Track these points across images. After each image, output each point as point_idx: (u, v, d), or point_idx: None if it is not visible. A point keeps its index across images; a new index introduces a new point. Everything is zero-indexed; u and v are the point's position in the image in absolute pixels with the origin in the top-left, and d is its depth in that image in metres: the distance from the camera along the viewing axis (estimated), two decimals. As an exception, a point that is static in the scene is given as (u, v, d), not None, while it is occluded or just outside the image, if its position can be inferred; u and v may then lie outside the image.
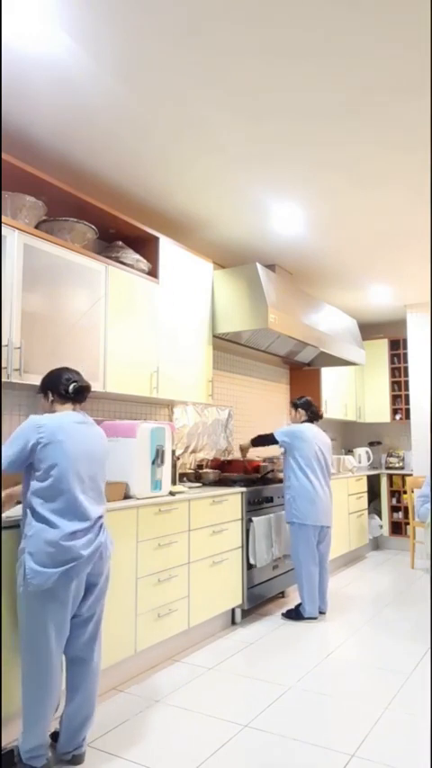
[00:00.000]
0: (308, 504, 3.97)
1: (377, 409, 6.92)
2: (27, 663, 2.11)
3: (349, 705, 2.70)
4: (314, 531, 4.01)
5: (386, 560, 6.01)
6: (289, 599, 4.46)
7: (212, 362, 4.24)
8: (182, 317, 3.91)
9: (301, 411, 4.24)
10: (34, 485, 2.14)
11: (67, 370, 2.39)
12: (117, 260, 3.44)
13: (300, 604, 3.99)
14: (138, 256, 3.59)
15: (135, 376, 3.45)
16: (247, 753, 2.30)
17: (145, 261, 3.63)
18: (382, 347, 6.92)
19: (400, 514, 6.58)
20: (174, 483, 3.73)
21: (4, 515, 2.35)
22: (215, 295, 4.26)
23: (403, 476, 6.50)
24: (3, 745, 2.23)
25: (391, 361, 6.91)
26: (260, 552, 3.93)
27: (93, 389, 3.11)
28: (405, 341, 6.68)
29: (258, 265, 4.16)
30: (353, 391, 6.79)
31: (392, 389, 6.89)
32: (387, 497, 6.59)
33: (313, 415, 4.24)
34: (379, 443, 7.15)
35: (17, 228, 2.76)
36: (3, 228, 2.68)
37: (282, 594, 4.50)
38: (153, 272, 3.69)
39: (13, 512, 2.41)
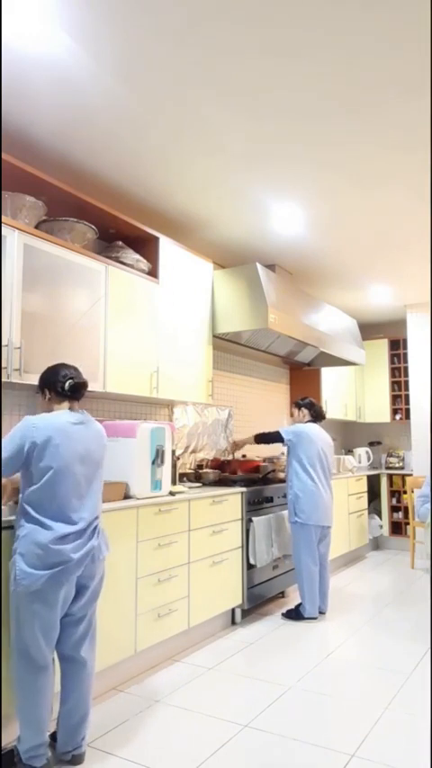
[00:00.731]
0: (311, 504, 3.98)
1: (377, 409, 6.92)
2: (19, 662, 2.12)
3: (349, 705, 2.70)
4: (316, 531, 4.01)
5: (386, 560, 6.01)
6: (289, 599, 4.46)
7: (212, 362, 4.24)
8: (182, 317, 3.91)
9: (305, 411, 4.25)
10: (28, 486, 2.14)
11: (63, 366, 2.36)
12: (117, 260, 3.44)
13: (300, 604, 4.00)
14: (138, 256, 3.59)
15: (135, 376, 3.45)
16: (247, 753, 2.30)
17: (145, 261, 3.63)
18: (382, 347, 6.92)
19: (400, 514, 6.58)
20: (174, 483, 3.72)
21: (4, 508, 2.35)
22: (215, 295, 4.26)
23: (403, 476, 6.50)
24: (3, 745, 2.23)
25: (391, 361, 6.91)
26: (260, 552, 3.93)
27: (93, 389, 3.13)
28: (405, 341, 6.68)
29: (258, 265, 4.16)
30: (353, 391, 6.79)
31: (392, 389, 6.89)
32: (387, 497, 6.59)
33: (317, 415, 4.26)
34: (379, 443, 7.15)
35: (17, 228, 2.76)
36: (3, 228, 2.68)
37: (282, 594, 4.50)
38: (153, 272, 3.69)
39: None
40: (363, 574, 5.40)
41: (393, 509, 6.63)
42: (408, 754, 2.27)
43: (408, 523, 6.25)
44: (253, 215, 3.89)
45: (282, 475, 4.62)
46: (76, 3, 2.03)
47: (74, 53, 2.29)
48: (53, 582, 2.07)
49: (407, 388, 6.71)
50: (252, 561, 3.89)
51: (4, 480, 2.33)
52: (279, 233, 4.20)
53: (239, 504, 3.89)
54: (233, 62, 2.33)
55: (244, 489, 3.93)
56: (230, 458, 4.68)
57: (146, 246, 3.72)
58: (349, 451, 6.89)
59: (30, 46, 2.24)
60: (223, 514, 3.70)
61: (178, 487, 3.57)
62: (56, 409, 2.29)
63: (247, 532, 3.91)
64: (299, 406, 4.28)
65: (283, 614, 4.02)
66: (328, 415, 6.08)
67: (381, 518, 6.58)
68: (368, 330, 7.13)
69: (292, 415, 4.38)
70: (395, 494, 6.64)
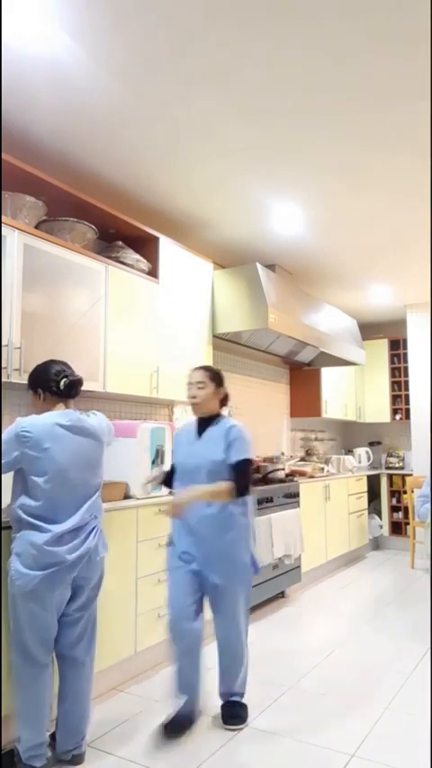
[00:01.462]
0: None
1: (377, 409, 6.92)
2: (17, 662, 2.12)
3: (349, 705, 2.70)
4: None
5: (386, 560, 6.01)
6: (288, 599, 4.45)
7: (212, 362, 4.23)
8: (182, 317, 3.91)
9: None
10: (22, 487, 2.14)
11: (54, 362, 2.29)
12: (117, 260, 3.44)
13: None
14: (138, 256, 3.59)
15: (135, 376, 3.45)
16: (247, 753, 2.30)
17: (145, 261, 3.63)
18: (382, 347, 6.92)
19: (400, 514, 6.57)
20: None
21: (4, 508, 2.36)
22: (215, 295, 4.25)
23: (403, 476, 6.50)
24: (3, 744, 2.23)
25: (391, 361, 6.91)
26: (260, 552, 3.93)
27: (93, 389, 3.13)
28: (405, 341, 6.68)
29: (258, 265, 4.16)
30: (353, 391, 6.79)
31: (392, 389, 6.88)
32: (387, 497, 6.59)
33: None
34: (379, 443, 7.15)
35: (17, 228, 2.76)
36: (3, 228, 2.68)
37: (282, 594, 4.50)
38: (153, 272, 3.69)
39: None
40: (363, 574, 5.40)
41: (393, 509, 6.63)
42: (408, 754, 2.27)
43: (408, 523, 6.25)
44: (253, 215, 3.89)
45: (282, 474, 4.62)
46: (76, 3, 2.03)
47: (74, 53, 2.29)
48: (47, 582, 2.06)
49: (407, 388, 6.71)
50: (252, 561, 3.88)
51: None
52: (279, 233, 4.20)
53: (239, 504, 3.88)
54: (233, 63, 2.33)
55: (244, 489, 3.92)
56: None
57: (146, 246, 3.72)
58: (349, 451, 6.89)
59: (30, 46, 2.24)
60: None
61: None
62: (50, 409, 2.23)
63: (247, 532, 3.90)
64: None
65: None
66: (328, 415, 6.09)
67: (381, 518, 6.58)
68: (368, 330, 7.12)
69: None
70: (395, 494, 6.64)
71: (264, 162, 3.16)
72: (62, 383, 2.24)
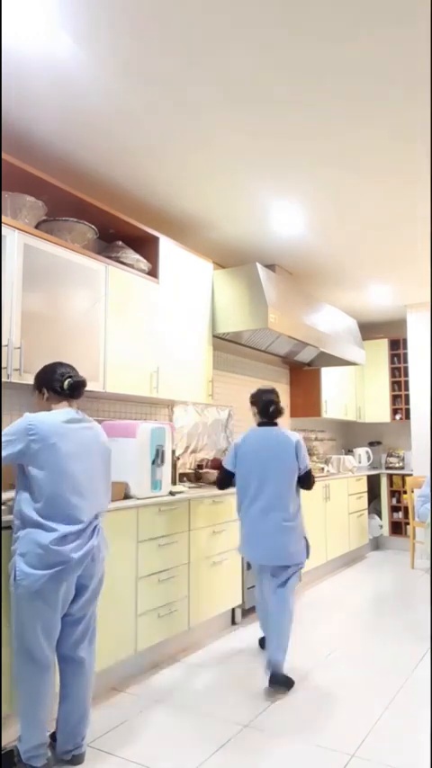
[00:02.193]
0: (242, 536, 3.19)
1: (377, 409, 6.92)
2: (20, 663, 2.12)
3: (349, 705, 2.70)
4: (262, 569, 3.22)
5: (386, 560, 6.01)
6: (289, 599, 4.45)
7: (212, 362, 4.24)
8: (182, 317, 3.91)
9: (254, 409, 3.38)
10: (26, 486, 2.14)
11: (60, 364, 2.35)
12: (117, 260, 3.44)
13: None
14: (138, 256, 3.59)
15: (135, 376, 3.45)
16: (247, 753, 2.30)
17: (145, 261, 3.63)
18: (382, 347, 6.92)
19: (400, 514, 6.57)
20: (174, 483, 3.73)
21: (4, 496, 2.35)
22: (215, 295, 4.26)
23: (403, 476, 6.50)
24: (3, 744, 2.23)
25: (391, 361, 6.91)
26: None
27: (93, 389, 3.12)
28: (405, 341, 6.68)
29: (258, 265, 4.16)
30: (353, 391, 6.79)
31: (392, 389, 6.88)
32: (387, 497, 6.59)
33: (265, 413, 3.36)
34: (379, 443, 7.15)
35: (17, 228, 2.76)
36: (3, 228, 2.68)
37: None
38: (153, 273, 3.69)
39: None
40: (363, 574, 5.40)
41: (393, 509, 6.63)
42: (408, 754, 2.27)
43: (408, 523, 6.25)
44: (253, 215, 3.89)
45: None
46: (76, 3, 2.03)
47: (74, 53, 2.29)
48: (53, 582, 2.07)
49: (407, 388, 6.71)
50: (252, 561, 3.87)
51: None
52: (279, 233, 4.20)
53: (239, 504, 3.88)
54: (233, 62, 2.33)
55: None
56: None
57: (146, 246, 3.72)
58: (349, 451, 6.89)
59: (30, 46, 2.24)
60: (223, 514, 3.70)
61: (178, 487, 3.57)
62: (54, 408, 2.27)
63: (247, 532, 3.89)
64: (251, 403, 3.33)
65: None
66: (329, 415, 6.08)
67: (381, 518, 6.58)
68: (368, 330, 7.12)
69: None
70: (395, 494, 6.63)
71: (264, 161, 3.15)
72: (66, 383, 2.28)
